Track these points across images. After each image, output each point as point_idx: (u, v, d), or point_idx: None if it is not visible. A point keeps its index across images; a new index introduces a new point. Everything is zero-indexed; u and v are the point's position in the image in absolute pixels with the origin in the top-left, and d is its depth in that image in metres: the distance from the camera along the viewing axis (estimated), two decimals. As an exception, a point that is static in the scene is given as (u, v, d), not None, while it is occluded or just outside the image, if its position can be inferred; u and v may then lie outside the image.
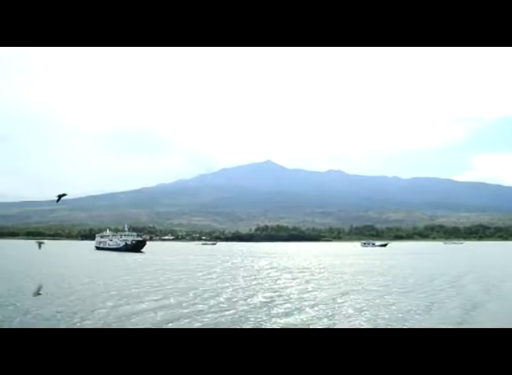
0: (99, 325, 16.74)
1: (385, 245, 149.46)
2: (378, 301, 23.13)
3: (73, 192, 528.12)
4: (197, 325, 16.99)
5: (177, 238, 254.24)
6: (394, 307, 21.11)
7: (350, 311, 20.15)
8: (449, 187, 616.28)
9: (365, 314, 19.27)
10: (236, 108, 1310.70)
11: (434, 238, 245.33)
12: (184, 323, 17.21)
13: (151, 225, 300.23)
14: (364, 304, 22.09)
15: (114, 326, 16.76)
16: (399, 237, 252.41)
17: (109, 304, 21.72)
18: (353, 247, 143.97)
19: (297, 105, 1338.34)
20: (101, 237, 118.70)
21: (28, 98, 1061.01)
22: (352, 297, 24.80)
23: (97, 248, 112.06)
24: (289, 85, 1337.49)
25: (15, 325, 16.34)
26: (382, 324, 17.16)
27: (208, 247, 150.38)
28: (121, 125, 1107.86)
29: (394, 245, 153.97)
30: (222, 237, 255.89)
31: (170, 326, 16.73)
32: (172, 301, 23.19)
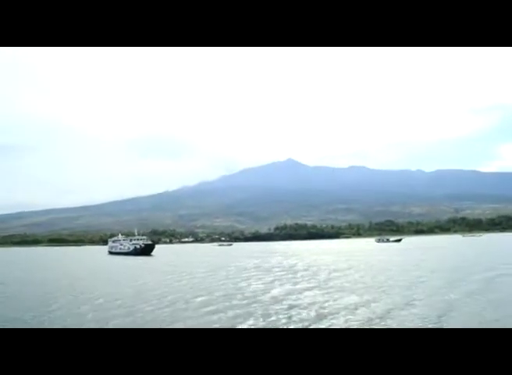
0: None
1: (399, 241, 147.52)
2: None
3: (98, 198, 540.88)
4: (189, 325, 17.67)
5: (197, 240, 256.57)
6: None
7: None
8: (474, 178, 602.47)
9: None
10: (255, 108, 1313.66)
11: (456, 231, 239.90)
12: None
13: (171, 228, 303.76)
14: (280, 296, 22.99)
15: (113, 326, 17.62)
16: (420, 232, 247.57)
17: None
18: (368, 243, 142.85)
19: (317, 102, 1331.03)
20: (113, 241, 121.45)
21: (49, 109, 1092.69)
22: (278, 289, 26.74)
23: (110, 253, 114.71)
24: (307, 83, 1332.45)
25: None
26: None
27: (222, 248, 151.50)
28: (141, 131, 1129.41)
29: (408, 240, 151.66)
30: (241, 237, 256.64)
31: (169, 326, 17.44)
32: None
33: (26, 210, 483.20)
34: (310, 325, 17.08)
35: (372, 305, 21.18)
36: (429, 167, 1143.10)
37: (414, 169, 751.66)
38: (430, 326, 15.91)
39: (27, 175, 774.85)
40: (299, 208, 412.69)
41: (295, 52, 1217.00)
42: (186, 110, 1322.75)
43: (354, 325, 16.79)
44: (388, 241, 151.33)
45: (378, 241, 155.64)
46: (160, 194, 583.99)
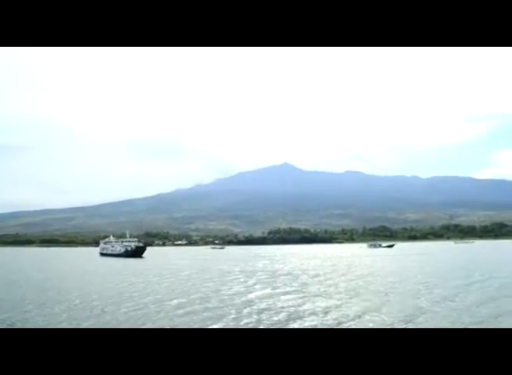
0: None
1: (391, 246, 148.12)
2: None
3: (94, 200, 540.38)
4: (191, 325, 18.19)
5: (190, 243, 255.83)
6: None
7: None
8: (469, 185, 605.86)
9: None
10: (252, 111, 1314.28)
11: (448, 238, 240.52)
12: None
13: (165, 230, 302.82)
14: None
15: (113, 326, 18.13)
16: (413, 238, 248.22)
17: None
18: (360, 248, 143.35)
19: (314, 107, 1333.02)
20: (105, 243, 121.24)
21: (47, 109, 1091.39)
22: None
23: (101, 255, 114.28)
24: (305, 87, 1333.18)
25: None
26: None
27: (213, 251, 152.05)
28: (137, 133, 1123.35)
29: (400, 246, 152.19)
30: (235, 240, 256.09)
31: (169, 326, 17.93)
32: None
33: (21, 210, 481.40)
34: (286, 326, 17.65)
35: (344, 309, 21.66)
36: (425, 174, 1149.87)
37: (409, 175, 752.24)
38: (429, 327, 16.40)
39: (24, 175, 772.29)
40: (294, 212, 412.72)
41: (293, 54, 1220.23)
42: (182, 113, 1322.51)
43: (343, 326, 17.38)
44: (380, 246, 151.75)
45: (370, 246, 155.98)
46: (155, 197, 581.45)
